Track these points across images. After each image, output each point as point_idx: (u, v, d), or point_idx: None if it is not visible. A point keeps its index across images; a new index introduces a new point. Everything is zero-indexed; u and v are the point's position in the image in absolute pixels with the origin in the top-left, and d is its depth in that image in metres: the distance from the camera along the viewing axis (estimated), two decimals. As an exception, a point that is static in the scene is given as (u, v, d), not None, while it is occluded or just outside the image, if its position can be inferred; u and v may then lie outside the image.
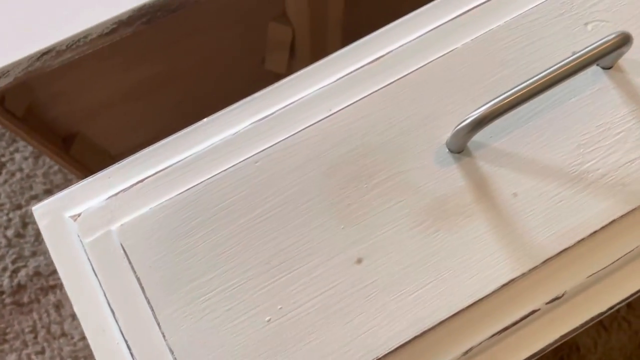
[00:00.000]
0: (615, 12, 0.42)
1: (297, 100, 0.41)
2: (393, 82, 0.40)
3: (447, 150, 0.39)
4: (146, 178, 0.39)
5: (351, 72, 0.41)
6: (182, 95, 0.93)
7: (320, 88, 0.41)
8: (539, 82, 0.36)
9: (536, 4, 0.42)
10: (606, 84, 0.40)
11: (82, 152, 0.84)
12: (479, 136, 0.39)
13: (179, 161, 0.40)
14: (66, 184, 1.16)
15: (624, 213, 0.37)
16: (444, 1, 0.43)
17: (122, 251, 0.37)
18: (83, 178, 0.41)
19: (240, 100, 0.42)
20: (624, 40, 0.37)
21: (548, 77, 0.36)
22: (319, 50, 0.89)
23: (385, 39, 0.42)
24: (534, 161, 0.38)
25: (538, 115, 0.39)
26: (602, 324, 1.01)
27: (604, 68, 0.40)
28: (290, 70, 0.91)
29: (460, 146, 0.38)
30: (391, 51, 0.41)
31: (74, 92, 0.76)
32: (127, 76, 0.80)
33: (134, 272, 0.37)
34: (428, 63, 0.41)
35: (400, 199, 0.38)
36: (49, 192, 1.15)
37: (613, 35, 0.37)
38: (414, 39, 0.41)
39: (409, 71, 0.41)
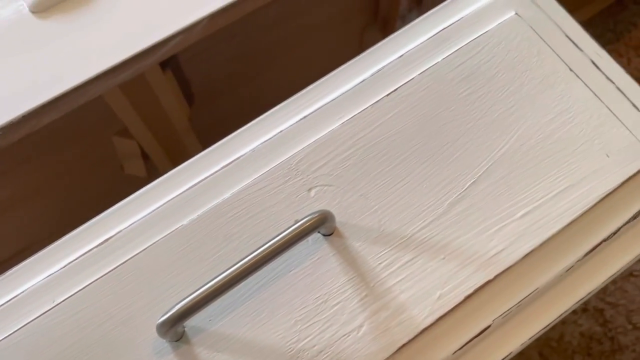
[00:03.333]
0: (337, 176, 0.42)
1: (20, 294, 0.40)
2: (117, 266, 0.40)
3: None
4: None
5: (73, 260, 0.41)
6: (47, 209, 0.92)
7: (45, 277, 0.41)
8: (236, 271, 0.37)
9: (262, 172, 0.43)
10: (326, 251, 0.41)
11: None
12: (197, 320, 0.39)
13: None
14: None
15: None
16: (171, 176, 0.43)
17: None
18: None
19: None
20: (321, 221, 0.38)
21: (246, 265, 0.37)
22: (177, 152, 0.89)
23: (113, 220, 0.42)
24: (252, 343, 0.39)
25: (260, 290, 0.40)
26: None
27: (324, 235, 0.41)
28: (151, 173, 0.91)
29: (173, 336, 0.38)
30: (119, 232, 0.42)
31: None
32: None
33: None
34: (153, 244, 0.41)
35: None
36: None
37: (311, 217, 0.38)
38: (139, 219, 0.42)
39: (134, 253, 0.41)
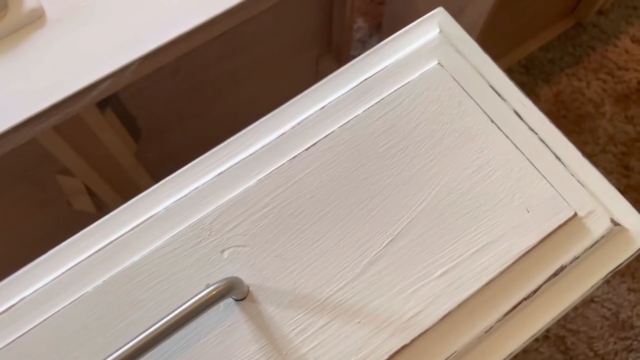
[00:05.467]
0: (252, 236, 0.41)
1: None
2: (17, 338, 0.39)
3: (63, 416, 0.37)
4: None
5: (-28, 333, 0.39)
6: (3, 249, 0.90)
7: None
8: (136, 345, 0.35)
9: (174, 233, 0.41)
10: (238, 317, 0.39)
11: None
12: (99, 395, 0.37)
13: None
14: None
15: None
16: (74, 241, 0.41)
17: None
18: None
19: None
20: (228, 290, 0.37)
21: (146, 339, 0.35)
22: (125, 187, 0.88)
23: (16, 286, 0.40)
24: (156, 417, 0.37)
25: (167, 361, 0.38)
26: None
27: (236, 300, 0.40)
28: (100, 208, 0.89)
29: (73, 413, 0.36)
30: (22, 299, 0.40)
31: None
32: None
33: None
34: (54, 314, 0.39)
35: None
36: None
37: (216, 285, 0.36)
38: (43, 286, 0.40)
39: (35, 324, 0.39)
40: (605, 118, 1.20)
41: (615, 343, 1.06)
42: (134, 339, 0.34)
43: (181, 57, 0.74)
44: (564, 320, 1.06)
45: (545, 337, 1.05)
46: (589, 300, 1.08)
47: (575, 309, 1.08)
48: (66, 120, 0.64)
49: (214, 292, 0.36)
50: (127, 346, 0.34)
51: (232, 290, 0.37)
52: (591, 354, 1.04)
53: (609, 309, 1.08)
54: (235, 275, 0.39)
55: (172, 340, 0.38)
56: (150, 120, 0.84)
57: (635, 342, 1.05)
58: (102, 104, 0.70)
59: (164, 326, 0.35)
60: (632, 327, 1.07)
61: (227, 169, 0.43)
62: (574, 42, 1.27)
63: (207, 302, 0.36)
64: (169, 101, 0.83)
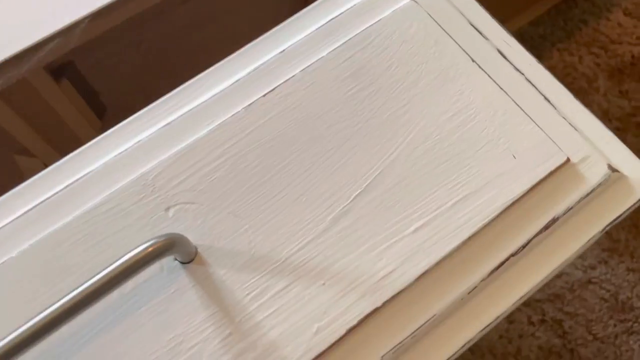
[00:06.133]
0: (201, 192, 0.36)
1: None
2: None
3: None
4: None
5: None
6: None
7: None
8: (56, 313, 0.30)
9: (112, 190, 0.36)
10: (184, 282, 0.34)
11: None
12: (22, 374, 0.32)
13: None
14: None
15: None
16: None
17: None
18: None
19: None
20: (168, 247, 0.32)
21: (66, 307, 0.30)
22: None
23: None
24: (88, 398, 0.32)
25: (100, 335, 0.33)
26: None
27: (183, 262, 0.35)
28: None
29: (-11, 395, 0.31)
30: (-62, 268, 0.35)
31: None
32: None
33: None
34: (-26, 282, 0.34)
35: None
36: None
37: (155, 241, 0.31)
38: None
39: (-48, 295, 0.34)
40: (599, 93, 1.16)
41: (615, 325, 1.01)
42: (53, 305, 0.29)
43: (145, 25, 0.69)
44: (561, 303, 1.01)
45: (542, 320, 1.00)
46: (586, 282, 1.03)
47: (572, 290, 1.03)
48: (20, 92, 0.59)
49: (150, 249, 0.31)
50: (44, 314, 0.29)
51: (174, 248, 0.32)
52: (590, 337, 0.99)
53: (608, 290, 1.03)
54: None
55: (108, 309, 0.33)
56: (116, 96, 0.79)
57: (635, 324, 1.01)
58: (56, 74, 0.64)
59: (89, 289, 0.30)
60: (632, 308, 1.03)
61: (174, 120, 0.38)
62: (565, 16, 1.22)
63: (141, 261, 0.31)
64: (134, 76, 0.78)
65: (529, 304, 1.00)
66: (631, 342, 0.99)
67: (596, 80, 1.15)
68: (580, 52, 1.18)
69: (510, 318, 1.00)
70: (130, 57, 0.73)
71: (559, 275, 1.02)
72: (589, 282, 1.02)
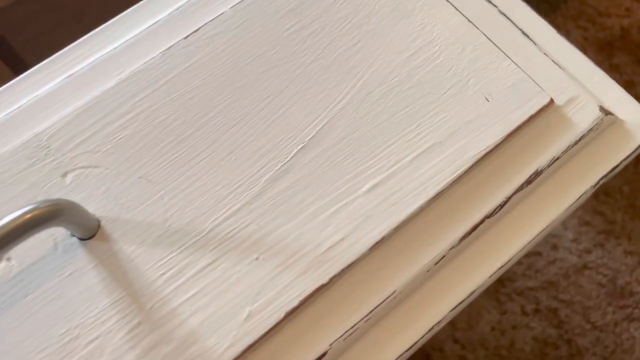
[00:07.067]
0: (106, 153, 0.30)
1: None
2: None
3: None
4: None
5: None
6: None
7: None
8: None
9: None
10: (82, 263, 0.28)
11: None
12: None
13: None
14: None
15: None
16: None
17: None
18: None
19: None
20: (51, 216, 0.25)
21: None
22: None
23: None
24: (-44, 410, 0.25)
25: (-22, 330, 0.27)
26: None
27: (81, 239, 0.28)
28: None
29: None
30: None
31: None
32: None
33: None
34: None
35: None
36: None
37: (33, 207, 0.25)
38: None
39: None
40: (588, 70, 1.10)
41: (614, 313, 0.95)
42: None
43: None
44: (556, 291, 0.95)
45: (536, 310, 0.94)
46: (581, 267, 0.97)
47: (567, 277, 0.97)
48: None
49: (27, 217, 0.24)
50: None
51: (60, 217, 0.25)
52: (588, 326, 0.93)
53: (605, 275, 0.97)
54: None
55: (-14, 300, 0.27)
56: (32, 50, 0.71)
57: (636, 310, 0.95)
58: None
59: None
60: (631, 293, 0.97)
61: (77, 71, 0.32)
62: (550, -9, 1.17)
63: (13, 234, 0.24)
64: (44, 23, 0.70)
65: (521, 292, 0.94)
66: (632, 329, 0.93)
67: (585, 55, 1.10)
68: (567, 26, 1.12)
69: (502, 309, 0.94)
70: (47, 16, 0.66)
71: (552, 260, 0.96)
72: (585, 267, 0.96)
